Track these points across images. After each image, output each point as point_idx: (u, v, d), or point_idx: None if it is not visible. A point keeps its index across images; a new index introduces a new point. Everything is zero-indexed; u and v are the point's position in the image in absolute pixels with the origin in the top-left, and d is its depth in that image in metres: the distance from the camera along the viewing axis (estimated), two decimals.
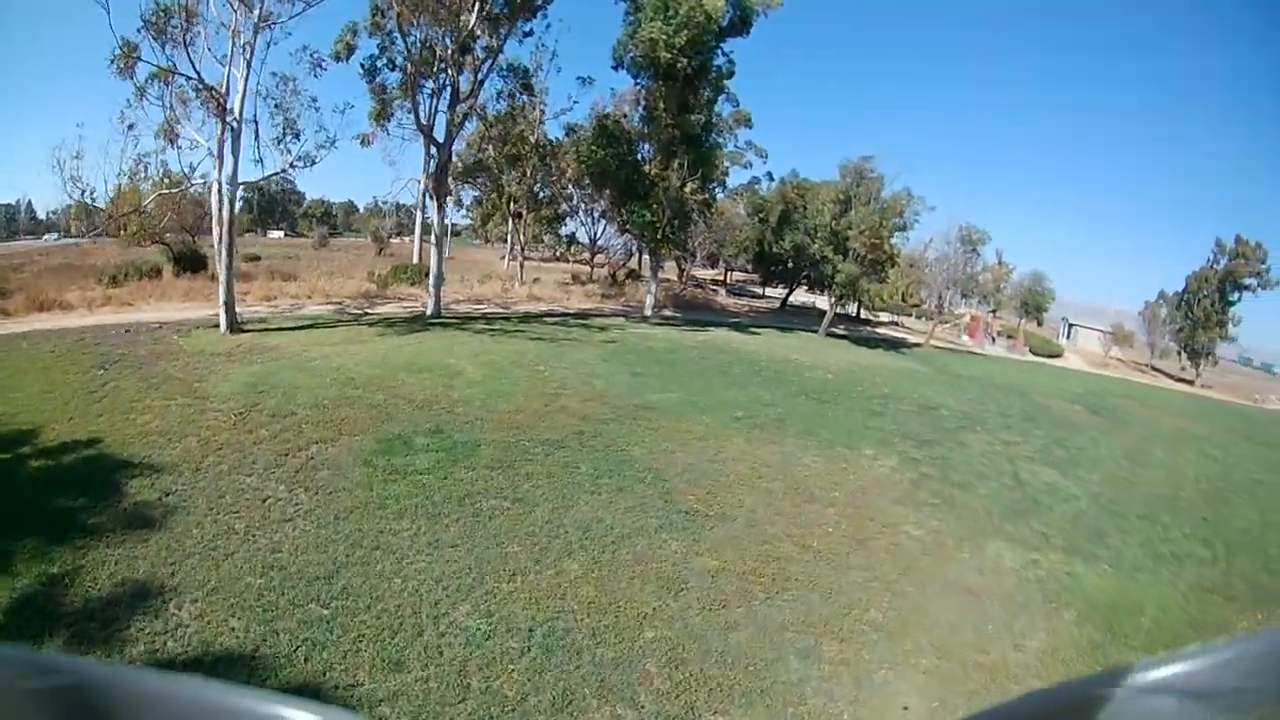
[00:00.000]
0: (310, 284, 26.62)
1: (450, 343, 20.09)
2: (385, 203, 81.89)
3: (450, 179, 29.67)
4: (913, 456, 15.93)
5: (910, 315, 54.64)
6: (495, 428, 13.36)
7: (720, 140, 34.84)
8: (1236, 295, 59.30)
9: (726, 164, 38.89)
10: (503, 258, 49.01)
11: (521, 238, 40.42)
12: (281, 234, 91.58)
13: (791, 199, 38.70)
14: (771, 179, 45.17)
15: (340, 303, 25.24)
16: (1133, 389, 44.15)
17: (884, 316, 53.82)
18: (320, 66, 21.36)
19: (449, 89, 24.46)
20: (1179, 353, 61.84)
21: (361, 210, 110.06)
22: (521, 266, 39.01)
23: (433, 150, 25.31)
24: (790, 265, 40.12)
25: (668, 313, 35.77)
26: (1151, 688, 0.49)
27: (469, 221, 63.89)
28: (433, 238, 25.86)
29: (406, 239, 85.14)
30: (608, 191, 32.97)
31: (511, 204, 40.33)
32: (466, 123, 27.78)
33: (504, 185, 39.10)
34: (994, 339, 54.90)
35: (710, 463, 13.27)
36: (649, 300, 31.11)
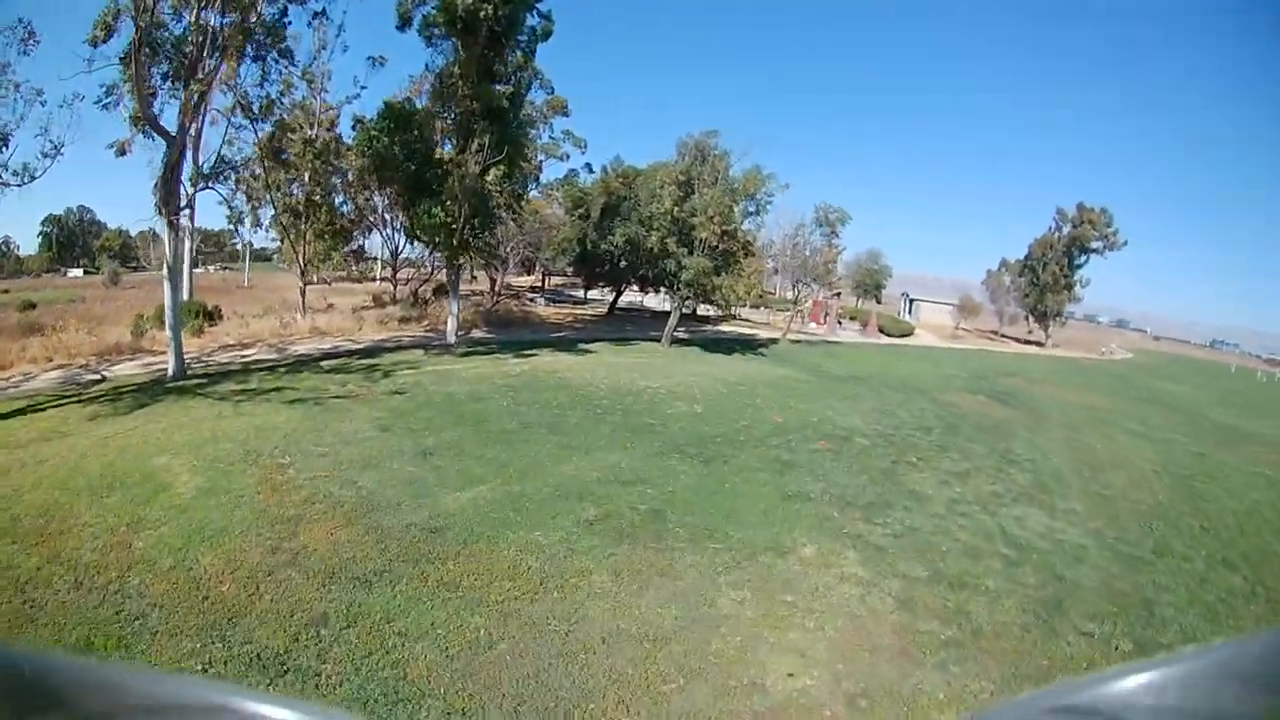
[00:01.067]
0: (54, 340, 19.81)
1: (175, 424, 13.03)
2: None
3: (192, 186, 20.91)
4: (874, 544, 10.27)
5: (747, 306, 50.61)
6: (170, 635, 6.18)
7: (531, 119, 29.70)
8: (1084, 259, 62.34)
9: (541, 156, 36.87)
10: (322, 282, 39.74)
11: (301, 257, 31.58)
12: (81, 272, 76.23)
13: (616, 189, 32.80)
14: (591, 170, 39.15)
15: (85, 363, 18.82)
16: (1004, 362, 43.85)
17: (716, 311, 49.79)
18: (31, 41, 16.20)
19: (184, 64, 16.80)
20: (1027, 317, 64.23)
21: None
22: (303, 293, 30.43)
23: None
24: (618, 264, 34.01)
25: (479, 334, 29.16)
26: (1152, 687, 0.49)
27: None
28: (165, 269, 17.60)
29: (213, 268, 72.94)
30: (394, 190, 26.53)
31: (287, 215, 31.39)
32: (206, 106, 19.65)
33: (272, 192, 30.20)
34: (841, 323, 52.20)
35: (556, 669, 6.55)
36: (451, 324, 24.00)
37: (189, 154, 18.89)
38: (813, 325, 50.09)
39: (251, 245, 59.02)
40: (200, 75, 17.48)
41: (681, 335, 34.61)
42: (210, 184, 23.50)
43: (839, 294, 59.93)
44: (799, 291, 39.06)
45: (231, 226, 39.75)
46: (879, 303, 67.96)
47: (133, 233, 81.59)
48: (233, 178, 29.32)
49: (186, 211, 19.43)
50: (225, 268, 75.15)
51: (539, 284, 55.84)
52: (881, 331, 50.40)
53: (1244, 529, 13.26)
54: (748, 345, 34.53)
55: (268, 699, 0.48)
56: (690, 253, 27.49)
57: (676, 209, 27.04)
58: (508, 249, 38.94)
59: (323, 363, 20.34)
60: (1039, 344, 63.02)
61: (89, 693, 0.46)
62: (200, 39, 17.17)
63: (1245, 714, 0.47)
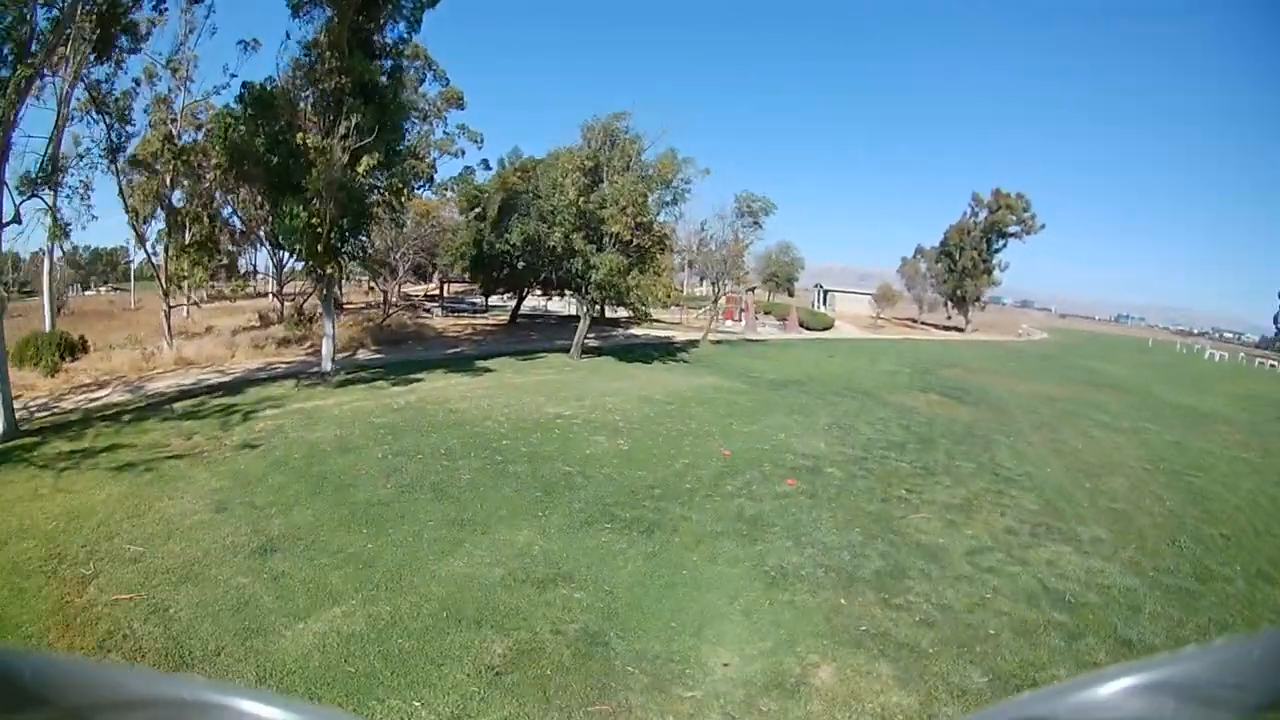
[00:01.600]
0: None
1: None
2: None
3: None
4: (906, 643, 7.60)
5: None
6: None
7: (413, 104, 26.81)
8: (1002, 243, 63.24)
9: (435, 153, 35.08)
10: (192, 304, 34.09)
11: (163, 275, 26.67)
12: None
13: (514, 184, 28.98)
14: (489, 167, 35.49)
15: None
16: (935, 351, 42.94)
17: (624, 312, 47.20)
18: None
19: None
20: (946, 303, 64.25)
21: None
22: (168, 317, 25.69)
23: None
24: (517, 267, 30.28)
25: (365, 355, 25.24)
26: (1151, 687, 0.50)
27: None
28: None
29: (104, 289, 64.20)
30: (251, 188, 23.78)
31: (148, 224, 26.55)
32: (29, 94, 15.05)
33: (126, 199, 25.36)
34: (758, 317, 50.09)
35: None
36: (327, 348, 19.89)
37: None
38: (728, 323, 47.77)
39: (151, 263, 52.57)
40: (30, 59, 13.10)
41: (592, 343, 31.38)
42: (37, 191, 18.41)
43: (754, 289, 58.85)
44: (719, 288, 36.23)
45: (50, 243, 33.73)
46: (791, 295, 66.92)
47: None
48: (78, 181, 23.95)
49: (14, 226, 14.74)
50: (116, 288, 67.20)
51: (436, 292, 51.25)
52: (802, 326, 48.60)
53: (1256, 529, 12.14)
54: (667, 350, 31.67)
55: (266, 699, 0.48)
56: (599, 249, 24.20)
57: (582, 200, 23.66)
58: (398, 256, 34.69)
59: (176, 404, 16.28)
60: (959, 329, 63.51)
61: (86, 692, 0.46)
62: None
63: (1245, 714, 0.47)
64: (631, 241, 23.80)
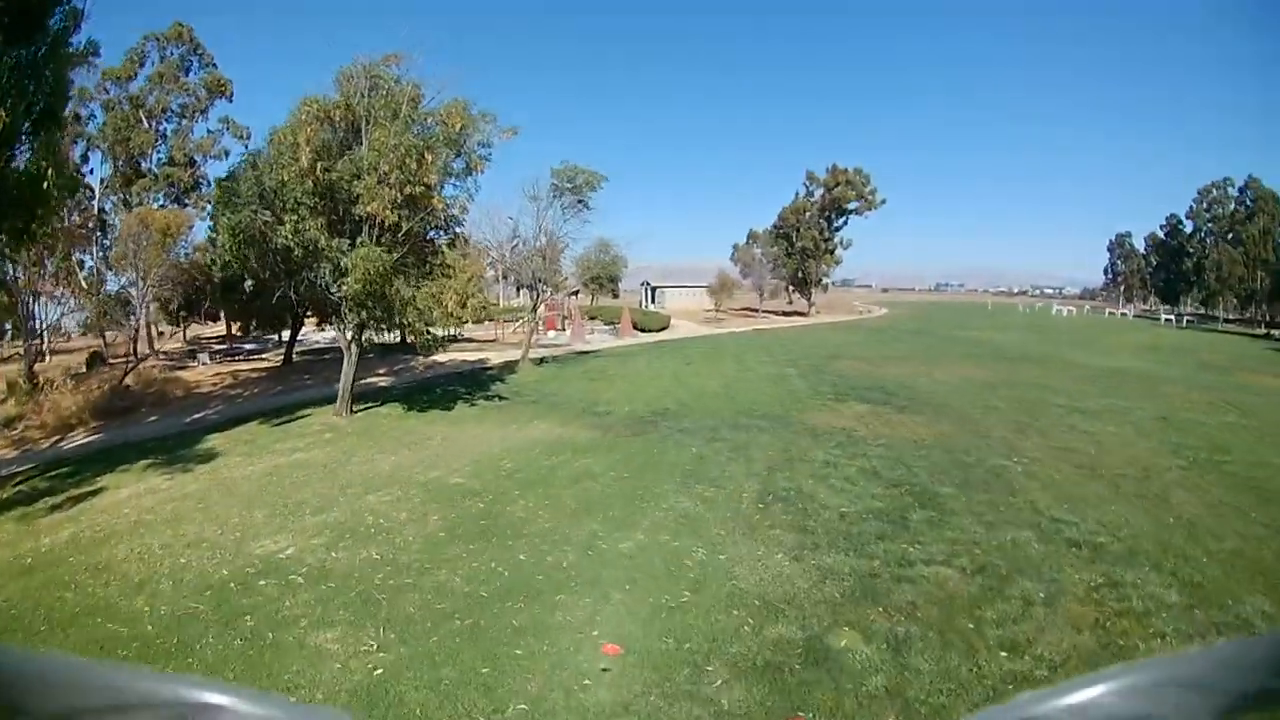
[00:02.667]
0: None
1: None
2: None
3: None
4: None
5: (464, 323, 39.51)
6: None
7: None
8: (842, 221, 60.99)
9: (199, 157, 32.91)
10: None
11: None
12: None
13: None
14: (256, 166, 26.33)
15: None
16: (802, 341, 37.53)
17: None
18: None
19: None
20: (787, 287, 61.17)
21: None
22: None
23: None
24: (269, 290, 21.17)
25: (80, 438, 16.94)
26: (1151, 687, 0.49)
27: None
28: None
29: None
30: None
31: None
32: None
33: None
34: (585, 323, 43.39)
35: None
36: None
37: None
38: (550, 334, 40.71)
39: None
40: None
41: (380, 381, 23.20)
42: None
43: (577, 292, 52.96)
44: (537, 294, 28.33)
45: None
46: (616, 296, 61.93)
47: None
48: None
49: None
50: None
51: (237, 332, 38.98)
52: (637, 328, 42.37)
53: None
54: (477, 382, 23.77)
55: (266, 699, 0.48)
56: (354, 244, 16.05)
57: (322, 167, 15.39)
58: (143, 291, 25.12)
59: None
60: (801, 314, 60.57)
61: (85, 692, 0.46)
62: None
63: (1247, 714, 0.48)
64: (400, 228, 15.91)
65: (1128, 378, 24.36)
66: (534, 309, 28.26)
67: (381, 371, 26.01)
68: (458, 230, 19.83)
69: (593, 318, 49.35)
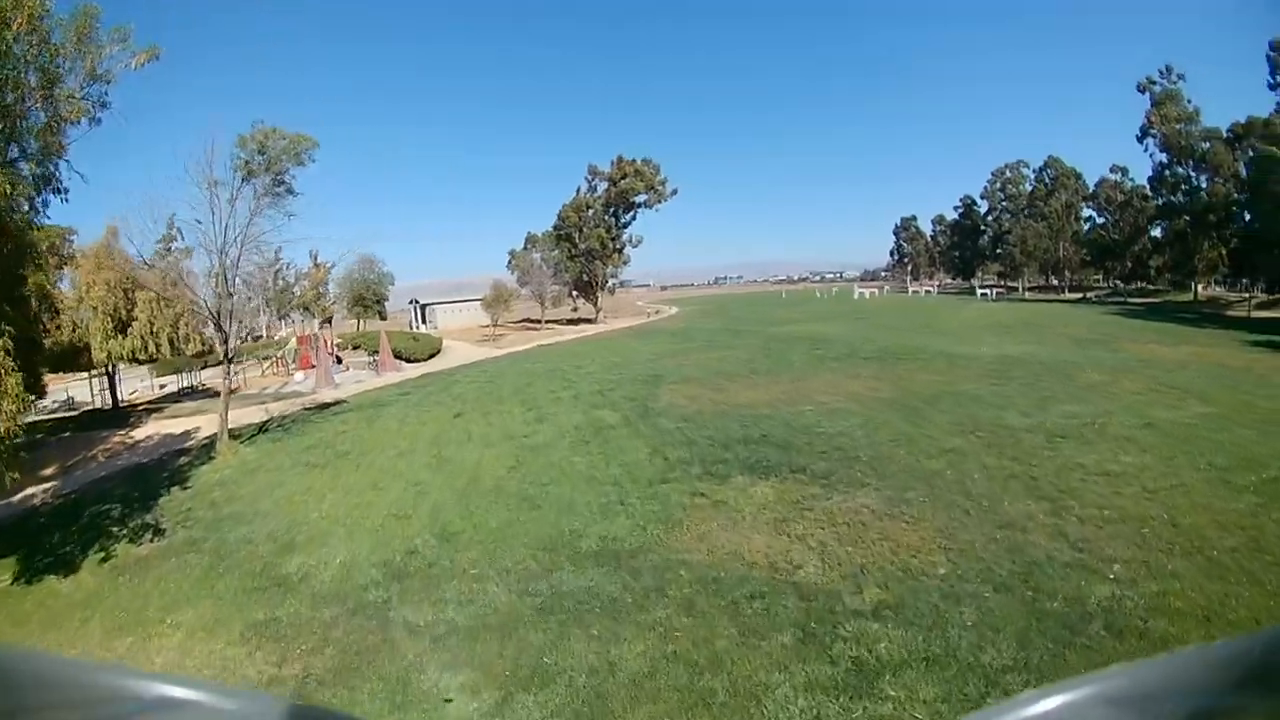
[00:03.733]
0: None
1: None
2: None
3: None
4: None
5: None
6: None
7: None
8: (630, 215, 56.05)
9: None
10: None
11: None
12: None
13: None
14: None
15: None
16: (614, 358, 28.93)
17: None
18: None
19: None
20: (571, 293, 56.32)
21: None
22: None
23: None
24: None
25: None
26: (1153, 687, 0.50)
27: None
28: None
29: None
30: None
31: None
32: None
33: None
34: (340, 361, 34.42)
35: None
36: None
37: None
38: (299, 375, 31.56)
39: None
40: None
41: (33, 490, 14.33)
42: None
43: (329, 320, 46.52)
44: (229, 332, 18.84)
45: None
46: (384, 319, 54.17)
47: None
48: None
49: None
50: None
51: None
52: (400, 358, 33.93)
53: None
54: (140, 494, 14.15)
55: (265, 700, 0.49)
56: None
57: None
58: None
59: None
60: (589, 320, 53.96)
61: (84, 693, 0.46)
62: None
63: (1247, 714, 0.48)
64: None
65: (1036, 370, 20.13)
66: (227, 354, 19.00)
67: (51, 471, 16.59)
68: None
69: (356, 347, 40.28)
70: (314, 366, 30.95)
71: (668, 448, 13.42)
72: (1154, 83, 57.45)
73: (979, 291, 70.43)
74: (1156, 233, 65.28)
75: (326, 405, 23.08)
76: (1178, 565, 7.34)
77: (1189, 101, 56.45)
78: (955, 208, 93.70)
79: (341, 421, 19.61)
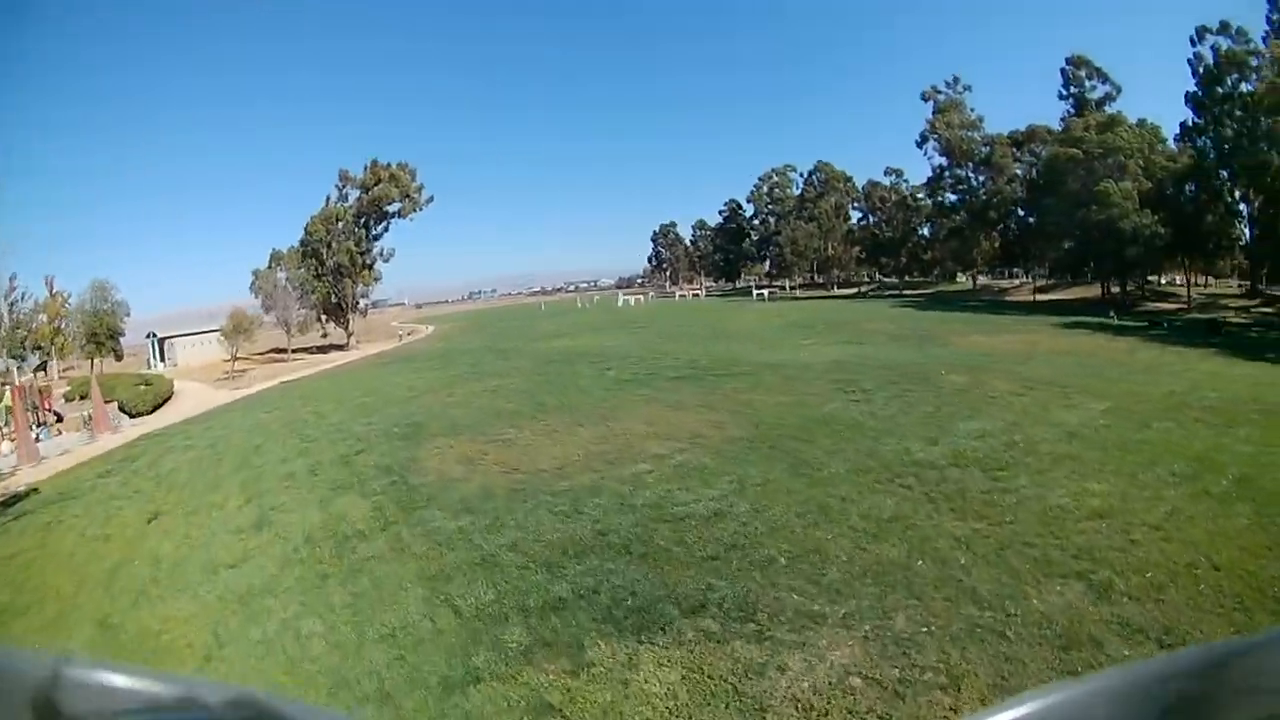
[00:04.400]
0: None
1: None
2: None
3: None
4: None
5: None
6: None
7: None
8: (382, 226, 50.04)
9: None
10: None
11: None
12: None
13: None
14: None
15: None
16: (372, 413, 19.91)
17: None
18: None
19: None
20: (320, 317, 48.89)
21: None
22: None
23: None
24: None
25: None
26: (1153, 687, 0.49)
27: None
28: None
29: None
30: None
31: None
32: None
33: None
34: (47, 425, 26.07)
35: None
36: None
37: None
38: (4, 447, 23.22)
39: None
40: None
41: None
42: None
43: (43, 365, 40.84)
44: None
45: None
46: (120, 359, 46.48)
47: None
48: None
49: None
50: None
51: None
52: (124, 411, 26.37)
53: None
54: None
55: (266, 700, 0.48)
56: None
57: None
58: None
59: None
60: (340, 347, 46.87)
61: (83, 693, 0.46)
62: None
63: (1246, 714, 0.47)
64: None
65: (887, 377, 17.70)
66: None
67: None
68: None
69: (83, 397, 31.56)
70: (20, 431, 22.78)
71: (455, 583, 7.92)
72: (939, 92, 61.88)
73: (755, 292, 70.44)
74: (928, 230, 70.92)
75: (9, 502, 16.16)
76: None
77: (971, 110, 61.18)
78: (720, 211, 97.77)
79: (8, 529, 13.13)
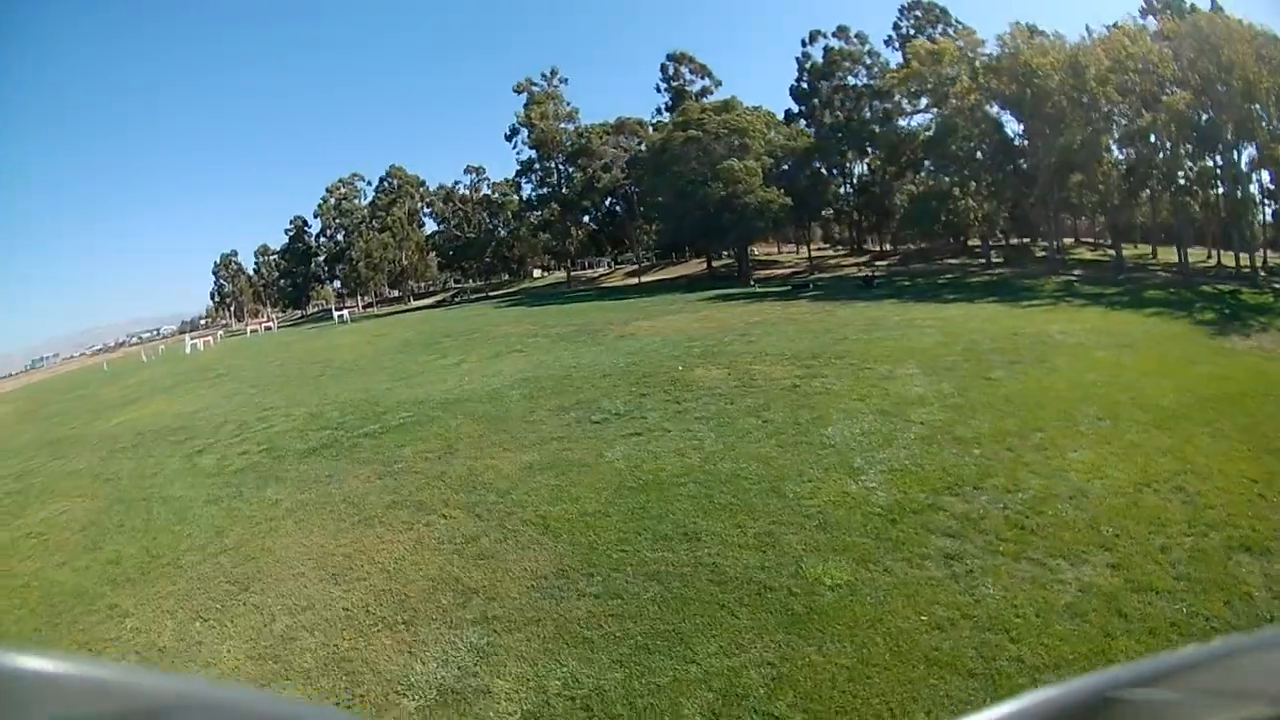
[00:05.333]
0: None
1: None
2: None
3: None
4: None
5: None
6: None
7: None
8: None
9: None
10: None
11: None
12: None
13: None
14: None
15: None
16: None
17: None
18: None
19: None
20: None
21: None
22: None
23: None
24: None
25: None
26: (1152, 687, 0.49)
27: None
28: None
29: None
30: None
31: None
32: None
33: None
34: None
35: None
36: None
37: None
38: None
39: None
40: None
41: None
42: None
43: None
44: None
45: None
46: None
47: None
48: None
49: None
50: None
51: None
52: None
53: None
54: None
55: (265, 700, 0.47)
56: None
57: None
58: None
59: None
60: None
61: (82, 693, 0.44)
62: None
63: (1246, 713, 0.47)
64: None
65: (664, 388, 13.61)
66: None
67: None
68: None
69: None
70: None
71: None
72: (534, 84, 58.85)
73: (335, 314, 60.83)
74: (513, 227, 68.58)
75: None
76: None
77: (568, 103, 59.52)
78: (286, 231, 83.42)
79: None
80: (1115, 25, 36.82)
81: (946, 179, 40.81)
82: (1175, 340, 18.14)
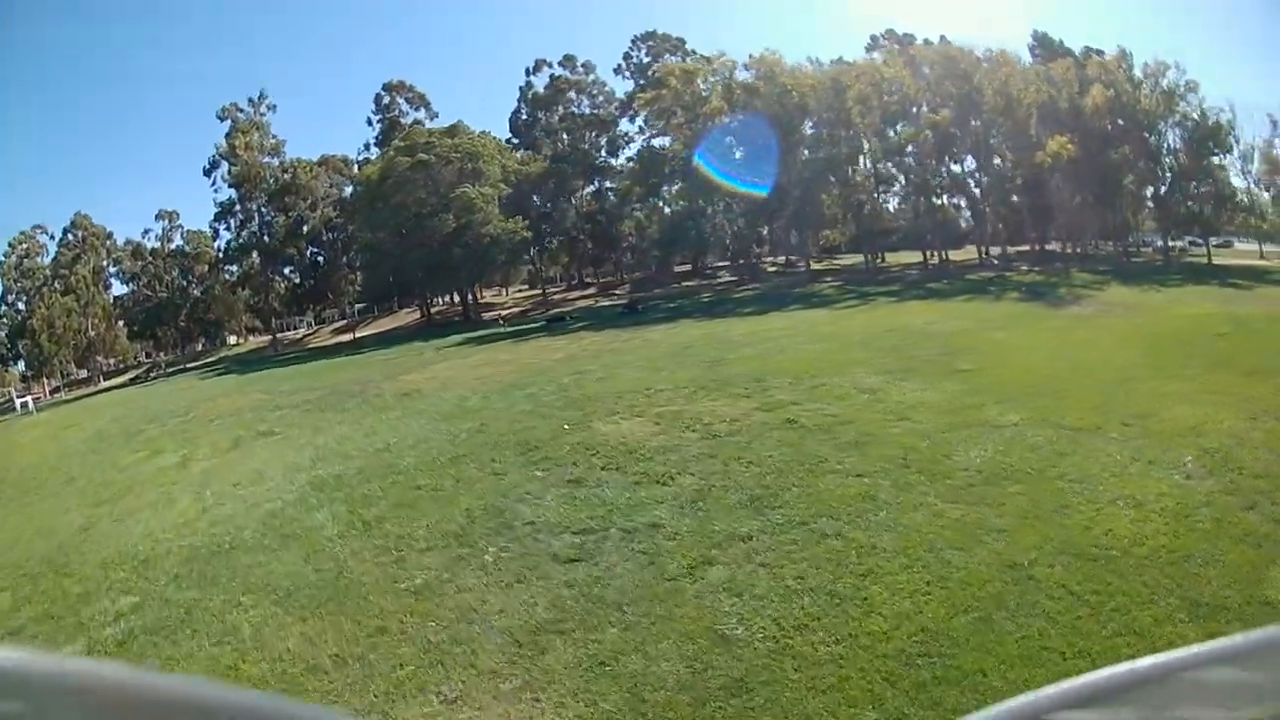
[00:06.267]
0: None
1: None
2: None
3: None
4: None
5: None
6: None
7: None
8: None
9: None
10: None
11: None
12: None
13: None
14: None
15: None
16: None
17: None
18: None
19: None
20: None
21: None
22: None
23: None
24: None
25: None
26: (1152, 687, 0.49)
27: None
28: None
29: None
30: None
31: None
32: None
33: None
34: None
35: None
36: None
37: None
38: None
39: None
40: None
41: None
42: None
43: None
44: None
45: None
46: None
47: None
48: None
49: None
50: None
51: None
52: None
53: None
54: None
55: (265, 700, 0.47)
56: None
57: None
58: None
59: None
60: None
61: (82, 693, 0.44)
62: None
63: (1245, 713, 0.47)
64: None
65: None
66: None
67: None
68: None
69: None
70: None
71: None
72: (240, 110, 48.60)
73: (19, 403, 43.42)
74: (197, 290, 56.13)
75: None
76: None
77: (274, 135, 49.93)
78: None
79: None
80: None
81: (700, 199, 40.20)
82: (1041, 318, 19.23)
